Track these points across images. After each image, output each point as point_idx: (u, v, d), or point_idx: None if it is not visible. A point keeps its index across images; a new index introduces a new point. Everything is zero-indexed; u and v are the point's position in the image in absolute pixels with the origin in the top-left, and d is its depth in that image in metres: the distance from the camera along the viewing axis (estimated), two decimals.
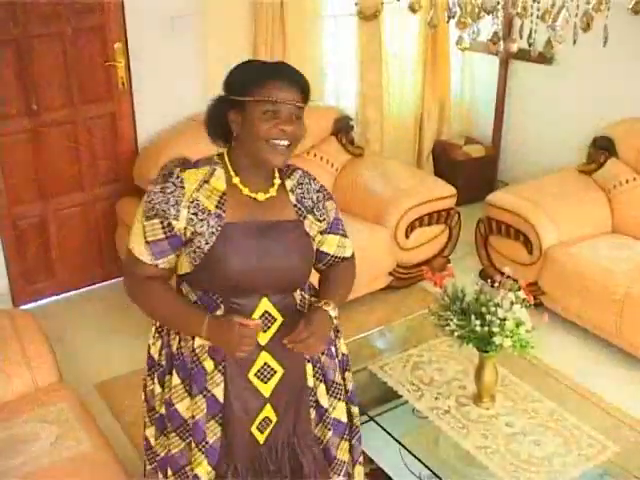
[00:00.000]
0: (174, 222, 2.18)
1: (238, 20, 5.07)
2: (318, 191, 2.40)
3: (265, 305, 2.27)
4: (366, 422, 3.26)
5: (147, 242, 2.21)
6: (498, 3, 2.55)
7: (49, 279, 4.92)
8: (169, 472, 2.37)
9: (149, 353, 2.45)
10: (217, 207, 2.20)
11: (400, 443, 3.05)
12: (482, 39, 2.82)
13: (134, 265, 2.27)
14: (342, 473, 2.51)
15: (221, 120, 2.25)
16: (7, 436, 2.84)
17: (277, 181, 2.32)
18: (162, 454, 2.43)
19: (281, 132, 2.15)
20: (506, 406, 3.17)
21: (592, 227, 4.72)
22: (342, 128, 5.29)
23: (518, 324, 2.86)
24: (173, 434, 2.34)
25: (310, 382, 2.40)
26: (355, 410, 2.62)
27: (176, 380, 2.31)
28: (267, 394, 2.32)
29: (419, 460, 2.96)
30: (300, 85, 2.20)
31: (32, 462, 2.70)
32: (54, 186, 4.75)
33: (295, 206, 2.33)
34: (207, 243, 2.18)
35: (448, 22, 2.71)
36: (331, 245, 2.45)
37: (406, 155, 6.27)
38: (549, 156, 5.74)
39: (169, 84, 4.90)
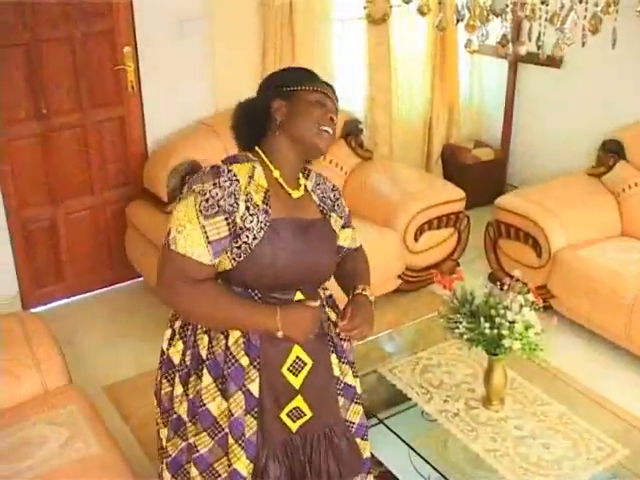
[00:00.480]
0: (237, 216, 2.15)
1: (247, 24, 5.08)
2: (333, 189, 2.51)
3: (299, 299, 2.33)
4: (375, 425, 3.26)
5: (209, 242, 2.14)
6: (507, 6, 2.55)
7: (59, 282, 4.93)
8: (194, 472, 2.35)
9: (166, 356, 2.42)
10: (264, 202, 2.22)
11: (409, 446, 3.05)
12: (490, 42, 2.82)
13: (189, 270, 2.16)
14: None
15: (259, 112, 2.32)
16: (17, 439, 2.84)
17: (303, 181, 2.40)
18: (173, 454, 2.43)
19: (330, 120, 2.29)
20: (515, 409, 3.17)
21: (601, 230, 4.71)
22: (351, 131, 5.30)
23: (527, 327, 2.87)
24: (203, 433, 2.32)
25: (336, 371, 2.44)
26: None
27: (207, 380, 2.29)
28: (297, 386, 2.34)
29: (428, 463, 2.96)
30: (335, 94, 2.39)
31: (41, 464, 2.71)
32: (64, 190, 4.76)
33: (319, 206, 2.42)
34: (255, 238, 2.17)
35: (457, 25, 2.71)
36: (346, 238, 2.57)
37: (415, 158, 6.28)
38: (558, 159, 5.73)
39: (178, 87, 4.91)
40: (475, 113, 6.57)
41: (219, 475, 2.35)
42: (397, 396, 3.31)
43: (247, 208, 2.17)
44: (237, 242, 2.17)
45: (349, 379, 2.49)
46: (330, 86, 2.38)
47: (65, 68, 4.55)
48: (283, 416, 2.34)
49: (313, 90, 2.30)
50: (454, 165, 6.30)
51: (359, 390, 2.56)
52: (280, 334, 2.23)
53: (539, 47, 2.64)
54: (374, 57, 5.79)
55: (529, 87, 6.02)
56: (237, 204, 2.15)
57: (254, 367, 2.28)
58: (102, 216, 4.98)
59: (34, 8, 4.35)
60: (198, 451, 2.34)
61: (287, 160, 2.32)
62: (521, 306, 2.89)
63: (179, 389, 2.37)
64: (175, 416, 2.40)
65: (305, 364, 2.34)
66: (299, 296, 2.32)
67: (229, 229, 2.15)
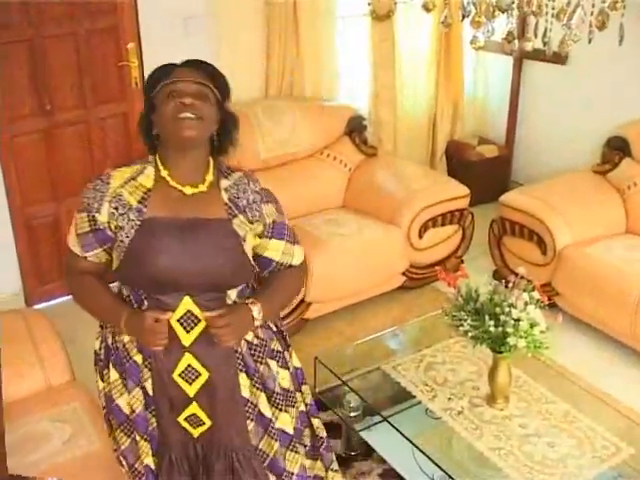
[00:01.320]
0: (97, 215, 2.25)
1: (251, 21, 5.07)
2: (256, 192, 2.37)
3: (187, 304, 2.25)
4: (379, 422, 3.27)
5: (77, 234, 2.30)
6: (513, 2, 2.54)
7: (62, 279, 4.88)
8: (126, 466, 2.43)
9: (95, 349, 2.48)
10: (139, 202, 2.24)
11: (413, 443, 3.04)
12: (495, 39, 2.81)
13: (69, 257, 2.37)
14: None
15: (150, 127, 2.31)
16: (22, 434, 2.85)
17: (209, 177, 2.31)
18: (115, 447, 2.48)
19: (182, 105, 2.18)
20: (520, 407, 3.16)
21: (606, 228, 4.69)
22: (355, 128, 5.28)
23: (532, 325, 2.86)
24: (118, 430, 2.40)
25: (245, 393, 2.36)
26: (316, 422, 2.64)
27: (114, 375, 2.36)
28: (192, 394, 2.32)
29: (432, 461, 2.96)
30: (203, 68, 2.30)
31: (45, 460, 2.72)
32: (67, 186, 4.75)
33: (226, 204, 2.31)
34: (127, 237, 2.22)
35: (462, 21, 2.70)
36: (275, 251, 2.41)
37: (419, 155, 6.26)
38: (563, 156, 5.71)
39: None
40: (479, 110, 6.55)
41: (142, 475, 2.40)
42: (401, 393, 3.31)
43: (116, 208, 2.24)
44: (116, 241, 2.25)
45: (263, 407, 2.39)
46: (195, 63, 2.32)
47: (69, 65, 4.54)
48: (181, 420, 2.35)
49: (164, 85, 2.23)
50: (458, 162, 6.28)
51: (286, 427, 2.45)
52: (127, 337, 2.30)
53: (545, 43, 2.63)
54: (378, 54, 5.76)
55: (534, 84, 6.00)
56: (100, 204, 2.24)
57: (146, 367, 2.31)
58: None
59: (39, 8, 4.34)
60: (120, 446, 2.41)
61: (174, 159, 2.27)
62: (526, 304, 2.88)
63: (101, 383, 2.45)
64: (105, 411, 2.47)
65: (200, 374, 2.31)
66: (187, 302, 2.25)
67: (89, 225, 2.27)
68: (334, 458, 2.74)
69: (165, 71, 2.28)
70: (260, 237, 2.37)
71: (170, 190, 2.26)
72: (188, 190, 2.27)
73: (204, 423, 2.36)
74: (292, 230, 2.47)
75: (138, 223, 2.21)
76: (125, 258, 2.23)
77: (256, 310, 2.29)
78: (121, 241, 2.23)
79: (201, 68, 2.30)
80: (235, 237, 2.28)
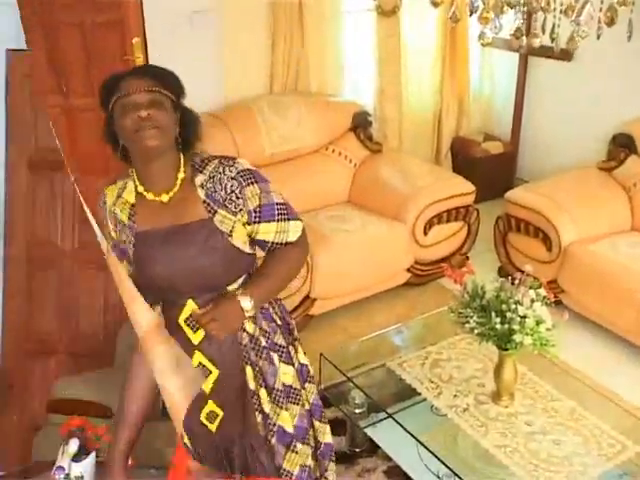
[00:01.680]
0: (111, 232, 2.35)
1: (256, 17, 5.06)
2: (233, 178, 2.27)
3: (191, 307, 2.29)
4: (384, 419, 3.27)
5: (111, 245, 2.36)
6: None
7: None
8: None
9: None
10: (129, 219, 2.29)
11: (418, 441, 3.04)
12: (502, 35, 2.80)
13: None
14: None
15: (114, 139, 2.28)
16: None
17: (181, 175, 2.27)
18: None
19: (139, 119, 2.16)
20: (525, 405, 3.15)
21: (612, 225, 4.68)
22: (361, 124, 5.28)
23: (538, 322, 2.85)
24: None
25: (251, 385, 2.37)
26: (316, 424, 2.58)
27: None
28: (207, 391, 2.34)
29: (437, 458, 2.95)
30: (151, 74, 2.26)
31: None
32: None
33: (204, 202, 2.26)
34: (130, 250, 2.29)
35: (470, 16, 2.68)
36: (268, 232, 2.33)
37: (424, 151, 6.25)
38: (568, 153, 5.70)
39: (187, 79, 4.80)
40: (485, 106, 6.54)
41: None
42: (406, 390, 3.30)
43: (115, 225, 2.32)
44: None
45: (265, 404, 2.39)
46: (141, 70, 2.33)
47: (75, 57, 4.52)
48: (202, 419, 2.37)
49: (117, 98, 2.20)
50: (463, 158, 6.27)
51: (286, 425, 2.42)
52: None
53: (553, 40, 2.61)
54: (384, 49, 5.75)
55: (539, 80, 5.98)
56: (107, 222, 2.35)
57: None
58: None
59: (43, 8, 4.33)
60: None
61: (145, 169, 2.26)
62: (532, 301, 2.87)
63: None
64: None
65: (210, 372, 2.33)
66: (190, 305, 2.28)
67: (111, 239, 2.36)
68: (331, 467, 2.67)
69: (115, 83, 2.24)
70: (248, 224, 2.30)
71: (150, 201, 2.28)
72: (165, 198, 2.26)
73: (218, 415, 2.37)
74: (285, 207, 2.36)
75: (132, 239, 2.28)
76: (133, 268, 2.31)
77: (245, 300, 2.25)
78: (128, 255, 2.31)
79: (150, 74, 2.27)
80: (219, 234, 2.25)
